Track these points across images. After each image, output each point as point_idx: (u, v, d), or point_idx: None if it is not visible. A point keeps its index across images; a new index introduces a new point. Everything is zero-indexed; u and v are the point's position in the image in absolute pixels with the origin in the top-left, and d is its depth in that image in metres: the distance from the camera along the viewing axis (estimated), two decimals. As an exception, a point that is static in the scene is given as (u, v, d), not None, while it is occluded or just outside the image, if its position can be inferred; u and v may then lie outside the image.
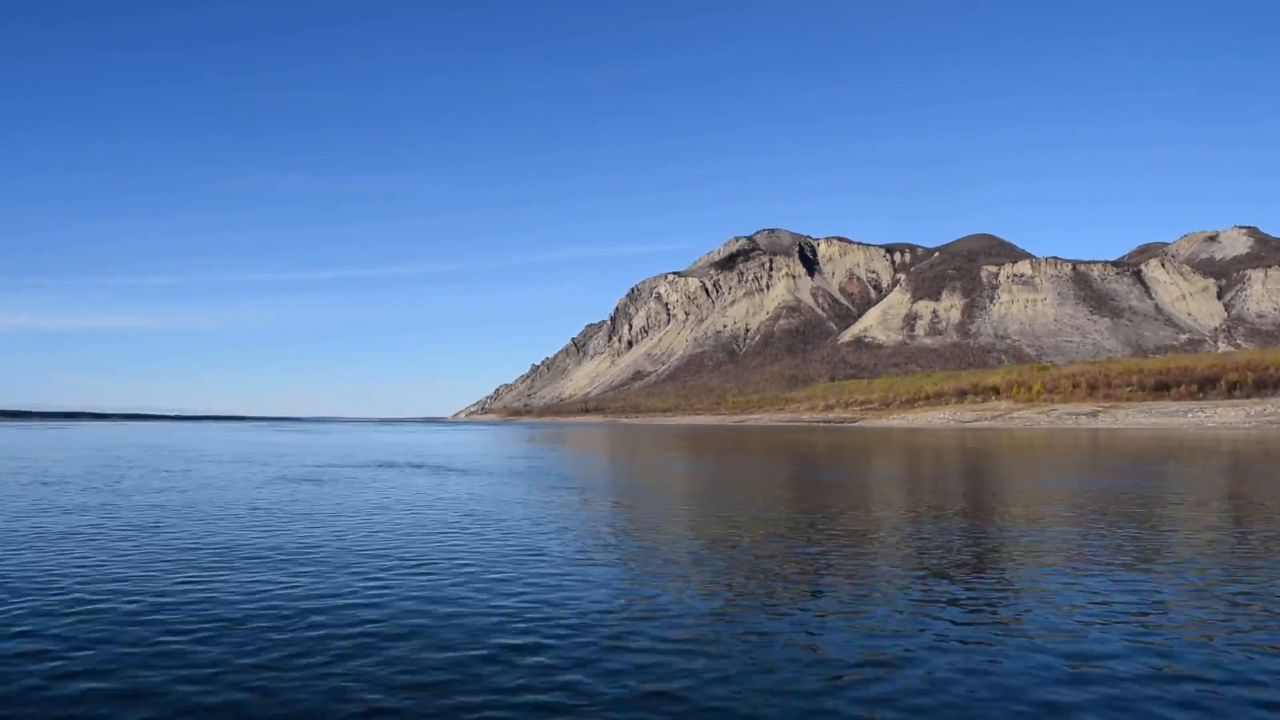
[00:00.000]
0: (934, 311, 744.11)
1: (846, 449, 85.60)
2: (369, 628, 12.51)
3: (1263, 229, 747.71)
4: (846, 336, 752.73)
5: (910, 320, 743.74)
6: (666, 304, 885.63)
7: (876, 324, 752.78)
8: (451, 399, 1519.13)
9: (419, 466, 51.34)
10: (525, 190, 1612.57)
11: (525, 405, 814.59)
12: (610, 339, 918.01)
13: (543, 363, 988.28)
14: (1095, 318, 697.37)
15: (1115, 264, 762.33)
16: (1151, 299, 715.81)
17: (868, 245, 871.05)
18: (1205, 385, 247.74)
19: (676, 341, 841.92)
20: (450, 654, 11.28)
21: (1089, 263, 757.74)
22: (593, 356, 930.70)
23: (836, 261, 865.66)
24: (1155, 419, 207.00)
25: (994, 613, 13.74)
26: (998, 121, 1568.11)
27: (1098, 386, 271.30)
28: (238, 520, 24.43)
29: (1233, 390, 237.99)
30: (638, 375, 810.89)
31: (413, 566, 17.15)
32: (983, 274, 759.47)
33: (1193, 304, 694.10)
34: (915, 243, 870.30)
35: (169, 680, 10.29)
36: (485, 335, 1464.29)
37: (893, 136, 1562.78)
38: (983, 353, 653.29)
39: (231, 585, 15.37)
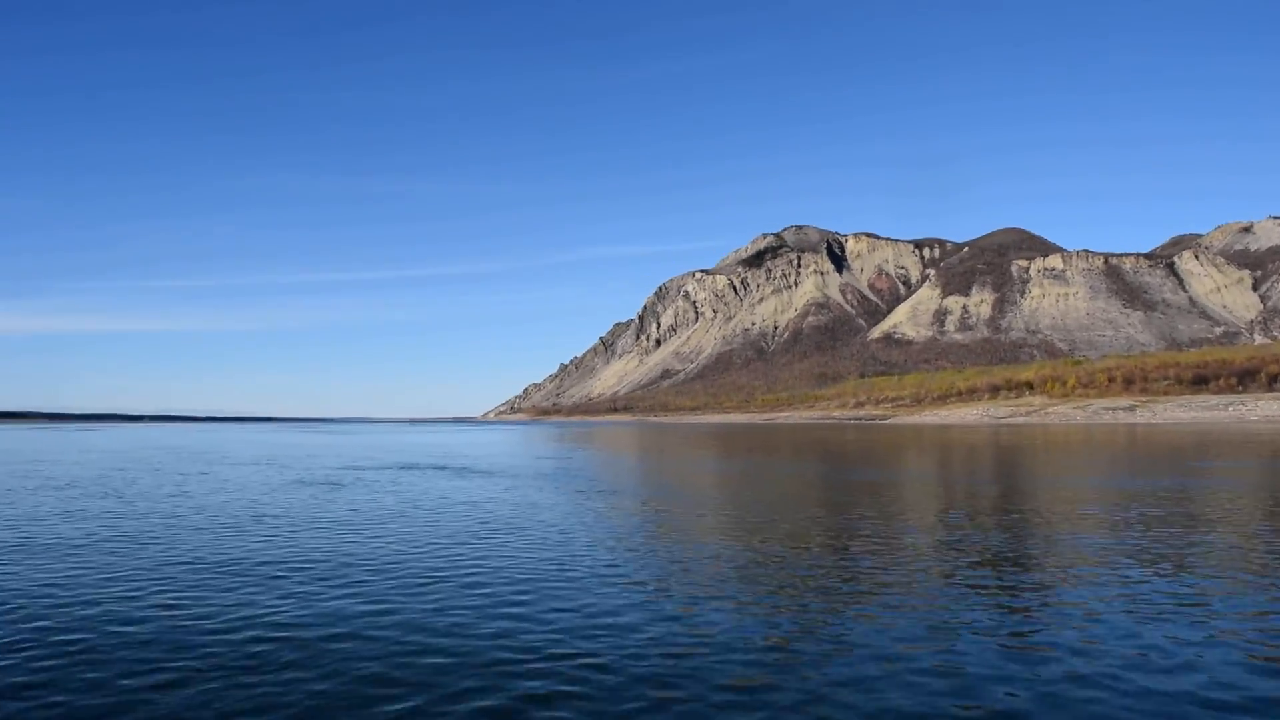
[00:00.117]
0: (964, 307, 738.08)
1: (881, 447, 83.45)
2: (353, 668, 10.65)
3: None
4: (876, 333, 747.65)
5: (940, 316, 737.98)
6: (694, 302, 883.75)
7: (906, 320, 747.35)
8: (481, 399, 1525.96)
9: (442, 468, 49.68)
10: (553, 190, 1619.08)
11: (554, 405, 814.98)
12: (638, 338, 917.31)
13: (571, 362, 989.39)
14: (1128, 311, 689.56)
15: (1148, 256, 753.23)
16: (1185, 291, 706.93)
17: (896, 241, 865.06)
18: (1245, 378, 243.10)
19: (705, 340, 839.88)
20: (454, 710, 9.45)
21: (1121, 255, 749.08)
22: (621, 355, 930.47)
23: (865, 258, 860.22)
24: (1195, 413, 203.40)
25: (1038, 626, 12.54)
26: (1028, 116, 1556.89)
27: (1134, 380, 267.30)
28: (239, 530, 22.72)
29: (1274, 383, 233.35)
30: (666, 374, 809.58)
31: (419, 585, 15.36)
32: (1013, 268, 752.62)
33: (1227, 296, 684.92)
34: (944, 237, 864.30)
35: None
36: (514, 335, 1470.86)
37: (921, 132, 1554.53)
38: (1014, 348, 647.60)
39: (206, 608, 13.63)
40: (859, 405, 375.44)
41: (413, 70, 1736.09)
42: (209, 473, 45.78)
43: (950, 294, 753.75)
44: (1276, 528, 22.72)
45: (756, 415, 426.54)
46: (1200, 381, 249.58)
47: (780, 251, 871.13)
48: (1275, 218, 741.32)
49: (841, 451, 75.25)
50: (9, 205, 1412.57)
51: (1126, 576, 15.81)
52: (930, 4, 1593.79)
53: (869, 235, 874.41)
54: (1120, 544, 19.67)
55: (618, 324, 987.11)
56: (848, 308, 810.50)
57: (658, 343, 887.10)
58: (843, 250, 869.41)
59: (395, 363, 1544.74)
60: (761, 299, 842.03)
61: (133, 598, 14.51)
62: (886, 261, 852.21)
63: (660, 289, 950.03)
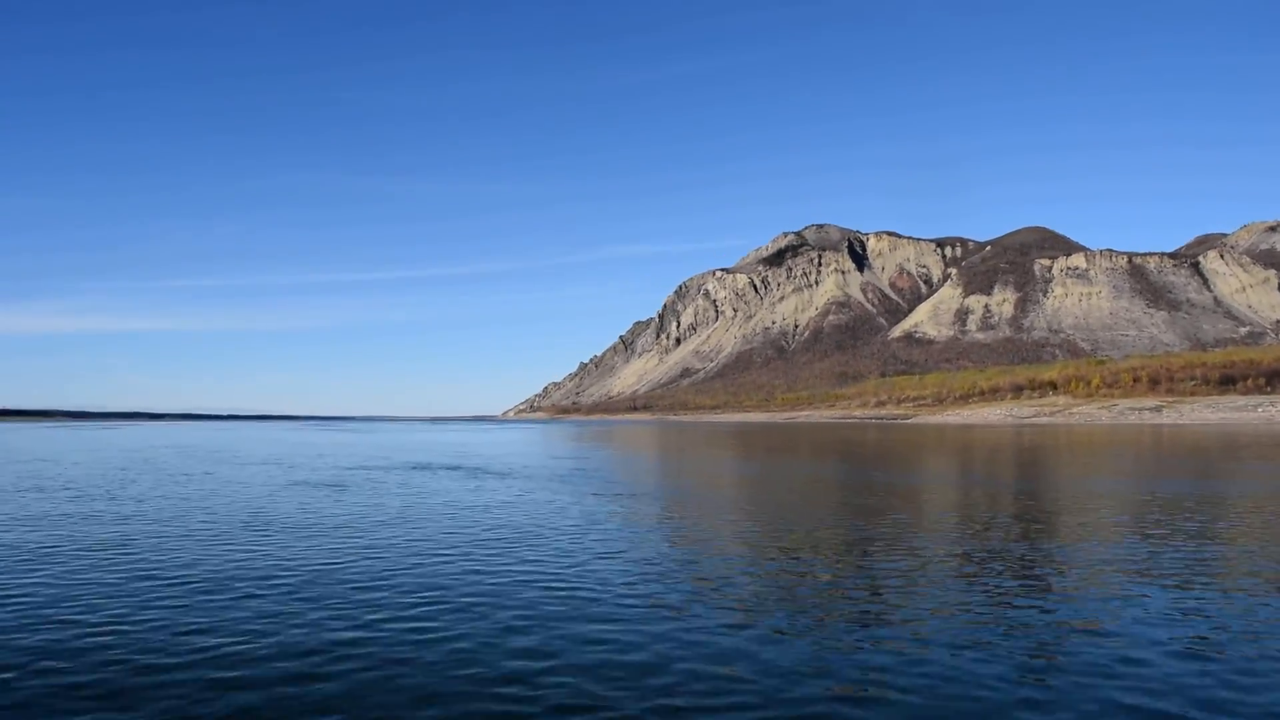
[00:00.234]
0: (986, 306, 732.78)
1: (905, 447, 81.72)
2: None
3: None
4: (897, 332, 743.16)
5: (962, 315, 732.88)
6: (715, 301, 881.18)
7: (927, 319, 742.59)
8: (501, 397, 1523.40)
9: (455, 469, 48.28)
10: (576, 190, 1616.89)
11: (573, 403, 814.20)
12: (658, 336, 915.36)
13: (591, 361, 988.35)
14: (1152, 311, 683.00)
15: (1172, 256, 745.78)
16: (1210, 291, 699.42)
17: (918, 239, 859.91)
18: (1273, 379, 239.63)
19: (725, 338, 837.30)
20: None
21: (1145, 255, 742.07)
22: (641, 354, 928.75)
23: (886, 256, 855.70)
24: (1223, 414, 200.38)
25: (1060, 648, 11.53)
26: (1051, 115, 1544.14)
27: (1159, 381, 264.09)
28: (225, 537, 21.14)
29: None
30: (686, 373, 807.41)
31: (407, 605, 13.74)
32: (1036, 267, 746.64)
33: (1253, 296, 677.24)
34: (966, 236, 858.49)
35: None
36: (535, 334, 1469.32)
37: (944, 131, 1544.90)
38: (1036, 347, 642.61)
39: (155, 634, 12.01)
40: (880, 405, 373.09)
41: (433, 72, 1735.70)
42: (213, 473, 44.48)
43: (972, 293, 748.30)
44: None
45: (777, 414, 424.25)
46: (1227, 382, 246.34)
47: (801, 250, 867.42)
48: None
49: (865, 452, 73.60)
50: (34, 206, 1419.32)
51: (1164, 595, 14.25)
52: (955, 3, 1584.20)
53: (890, 234, 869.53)
54: (1172, 564, 18.06)
55: (638, 323, 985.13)
56: (869, 307, 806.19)
57: (678, 341, 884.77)
58: (864, 249, 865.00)
59: (416, 361, 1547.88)
60: (782, 298, 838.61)
61: (71, 622, 12.89)
62: (908, 260, 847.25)
63: (680, 288, 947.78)
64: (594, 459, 62.13)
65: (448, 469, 48.02)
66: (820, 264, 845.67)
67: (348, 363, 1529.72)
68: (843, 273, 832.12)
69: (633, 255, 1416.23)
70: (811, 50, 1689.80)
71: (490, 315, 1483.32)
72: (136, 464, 51.95)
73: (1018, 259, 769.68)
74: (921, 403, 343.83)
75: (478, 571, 16.55)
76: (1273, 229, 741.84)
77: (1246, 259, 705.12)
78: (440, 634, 12.05)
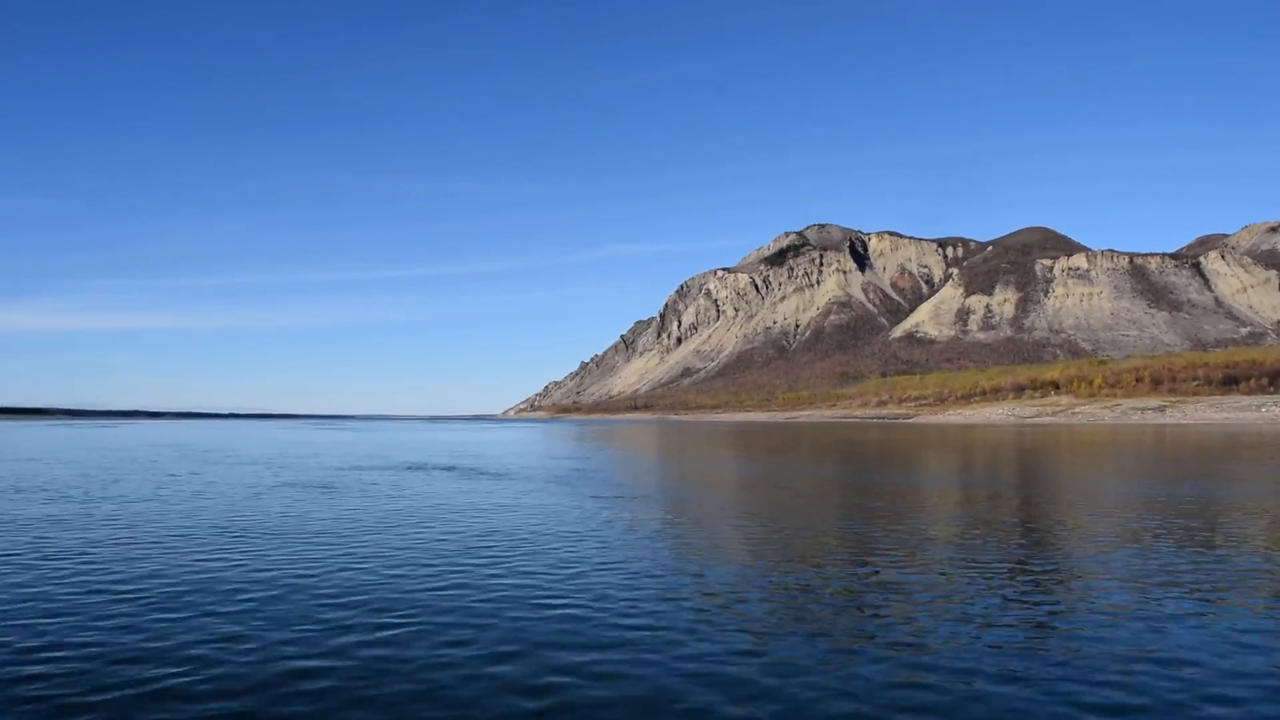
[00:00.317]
0: (987, 306, 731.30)
1: (910, 447, 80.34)
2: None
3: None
4: (898, 332, 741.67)
5: (963, 315, 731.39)
6: (716, 300, 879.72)
7: (929, 319, 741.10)
8: (502, 396, 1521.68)
9: (450, 469, 46.86)
10: (577, 189, 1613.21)
11: (574, 402, 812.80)
12: (659, 336, 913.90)
13: (592, 360, 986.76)
14: (1153, 311, 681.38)
15: (1173, 256, 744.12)
16: (1211, 292, 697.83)
17: (919, 239, 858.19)
18: (1276, 379, 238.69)
19: (726, 338, 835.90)
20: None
21: (1146, 255, 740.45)
22: (642, 353, 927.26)
23: (888, 256, 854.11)
24: (1226, 414, 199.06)
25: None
26: (1052, 116, 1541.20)
27: (1162, 381, 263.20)
28: (195, 543, 19.72)
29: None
30: (687, 372, 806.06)
31: (379, 627, 12.26)
32: (1037, 267, 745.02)
33: (1254, 296, 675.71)
34: (967, 236, 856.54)
35: None
36: (536, 333, 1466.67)
37: (945, 131, 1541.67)
38: (1037, 347, 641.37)
39: (88, 655, 10.64)
40: (881, 404, 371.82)
41: (431, 71, 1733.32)
42: (200, 473, 43.06)
43: (973, 293, 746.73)
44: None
45: (778, 414, 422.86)
46: (1230, 382, 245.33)
47: (802, 250, 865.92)
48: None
49: (868, 452, 72.27)
50: (35, 205, 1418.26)
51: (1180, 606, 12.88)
52: (957, 4, 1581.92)
53: (892, 234, 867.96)
54: (1193, 574, 16.67)
55: (639, 322, 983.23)
56: (870, 306, 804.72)
57: (679, 341, 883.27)
58: (865, 249, 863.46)
59: (417, 361, 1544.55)
60: (783, 297, 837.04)
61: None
62: (909, 260, 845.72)
63: (682, 287, 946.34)
64: (593, 459, 60.72)
65: (442, 470, 46.64)
66: (822, 264, 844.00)
67: (349, 362, 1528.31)
68: (844, 272, 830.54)
69: (634, 254, 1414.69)
70: (813, 50, 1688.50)
71: (491, 314, 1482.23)
72: (124, 464, 50.60)
73: (1019, 259, 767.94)
74: (923, 402, 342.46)
75: (463, 586, 15.12)
76: (1274, 229, 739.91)
77: (1248, 259, 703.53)
78: (412, 664, 10.61)
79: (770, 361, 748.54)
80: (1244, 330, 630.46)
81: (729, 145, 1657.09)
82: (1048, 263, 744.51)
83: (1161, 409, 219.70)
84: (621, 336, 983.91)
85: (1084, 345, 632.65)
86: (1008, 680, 10.08)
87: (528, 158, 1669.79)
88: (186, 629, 12.16)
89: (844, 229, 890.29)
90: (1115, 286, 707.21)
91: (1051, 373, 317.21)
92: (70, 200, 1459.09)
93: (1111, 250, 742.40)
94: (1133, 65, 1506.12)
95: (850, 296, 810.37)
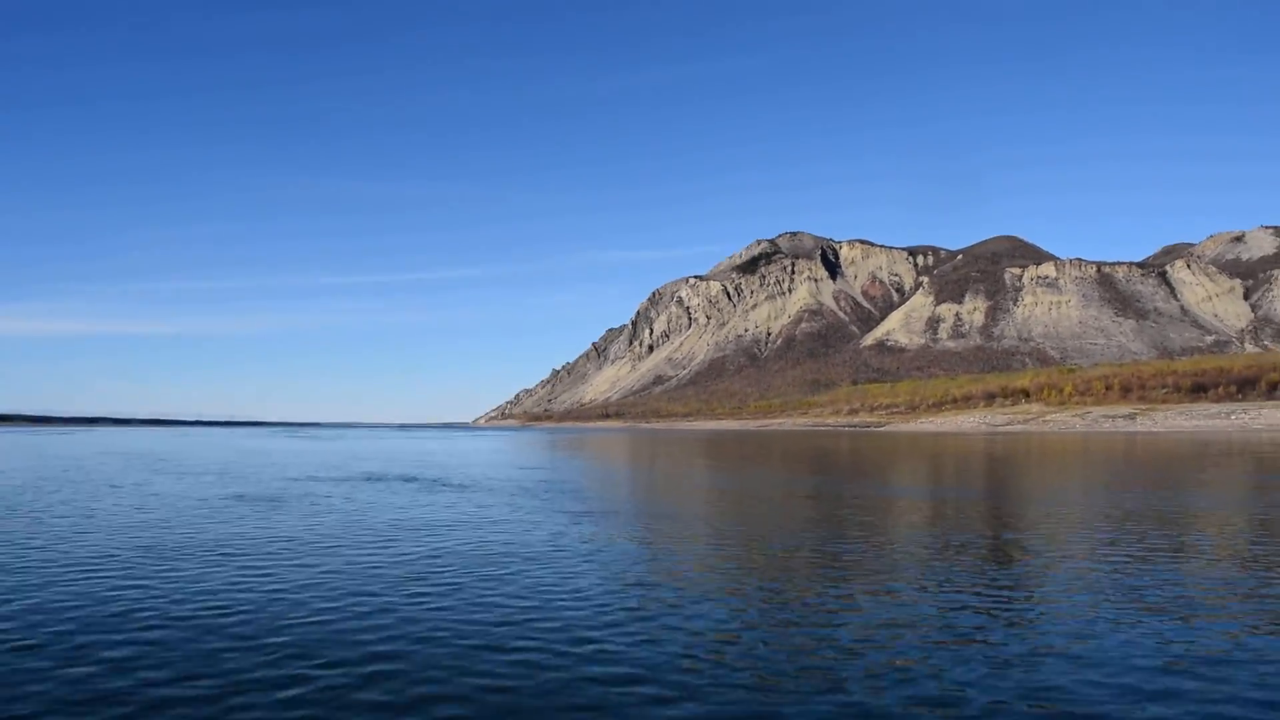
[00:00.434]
0: (957, 314, 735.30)
1: (883, 456, 78.81)
2: None
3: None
4: (869, 340, 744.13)
5: (933, 323, 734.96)
6: (688, 308, 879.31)
7: (899, 327, 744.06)
8: (473, 404, 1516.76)
9: (411, 480, 44.62)
10: (547, 196, 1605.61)
11: (546, 410, 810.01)
12: (631, 343, 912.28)
13: (563, 368, 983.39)
14: (1120, 320, 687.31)
15: (1140, 265, 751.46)
16: (1177, 300, 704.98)
17: (890, 248, 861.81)
18: (1244, 386, 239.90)
19: (697, 346, 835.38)
20: None
21: (1114, 264, 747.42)
22: (613, 361, 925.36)
23: (859, 264, 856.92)
24: (1196, 421, 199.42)
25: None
26: (1021, 125, 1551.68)
27: (1131, 389, 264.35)
28: (105, 566, 17.54)
29: (1273, 391, 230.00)
30: (658, 380, 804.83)
31: (281, 684, 10.07)
32: (1006, 276, 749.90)
33: (1219, 305, 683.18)
34: (938, 245, 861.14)
35: None
36: (507, 340, 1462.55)
37: (914, 139, 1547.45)
38: (1006, 355, 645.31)
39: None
40: (853, 412, 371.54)
41: (402, 78, 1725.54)
42: (143, 484, 40.60)
43: (943, 301, 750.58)
44: None
45: (749, 422, 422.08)
46: (1199, 390, 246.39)
47: (774, 258, 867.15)
48: (1266, 227, 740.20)
49: (843, 462, 70.66)
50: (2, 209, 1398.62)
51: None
52: (926, 14, 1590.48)
53: (863, 242, 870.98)
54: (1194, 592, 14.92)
55: (610, 330, 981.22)
56: (841, 315, 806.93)
57: (650, 349, 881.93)
58: (837, 257, 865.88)
59: (389, 367, 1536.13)
60: (755, 305, 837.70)
61: None
62: (880, 269, 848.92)
63: (653, 295, 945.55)
64: (562, 470, 58.58)
65: (403, 480, 44.41)
66: (793, 272, 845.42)
67: (319, 368, 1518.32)
68: (815, 281, 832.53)
69: (606, 262, 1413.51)
70: (786, 60, 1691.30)
71: (462, 322, 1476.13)
72: (66, 473, 48.04)
73: (989, 268, 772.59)
74: (895, 410, 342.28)
75: (406, 622, 13.03)
76: (1238, 239, 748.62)
77: (1213, 269, 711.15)
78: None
79: (742, 369, 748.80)
80: (1209, 338, 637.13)
81: (701, 153, 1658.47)
82: (1017, 271, 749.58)
83: (1132, 417, 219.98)
84: (593, 344, 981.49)
85: (1052, 353, 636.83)
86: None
87: (499, 166, 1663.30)
88: (41, 680, 10.05)
89: (816, 237, 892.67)
90: (1083, 295, 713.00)
91: (1022, 380, 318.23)
92: (39, 205, 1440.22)
93: (1079, 259, 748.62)
94: (1099, 78, 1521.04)
95: (821, 305, 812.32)
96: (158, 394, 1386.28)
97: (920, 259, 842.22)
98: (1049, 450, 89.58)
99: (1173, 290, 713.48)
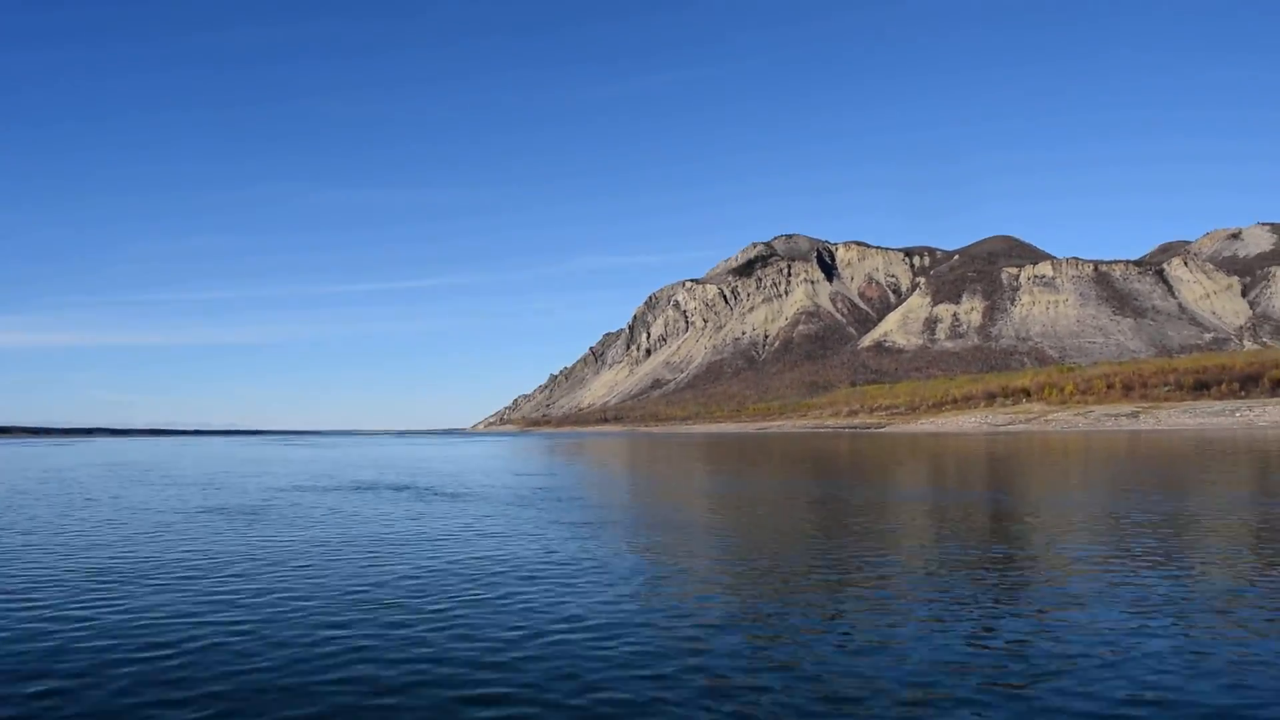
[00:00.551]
0: (954, 315, 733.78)
1: (886, 458, 77.14)
2: None
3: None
4: (866, 341, 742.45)
5: (931, 324, 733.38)
6: (685, 311, 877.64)
7: (897, 328, 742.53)
8: (471, 410, 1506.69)
9: (403, 489, 42.92)
10: (542, 201, 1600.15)
11: (544, 415, 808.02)
12: (628, 348, 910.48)
13: (561, 373, 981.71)
14: (1118, 318, 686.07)
15: (1137, 263, 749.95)
16: (1175, 298, 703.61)
17: (886, 249, 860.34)
18: (1247, 383, 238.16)
19: (695, 349, 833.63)
20: None
21: (1110, 262, 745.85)
22: (611, 365, 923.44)
23: (855, 266, 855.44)
24: (1200, 419, 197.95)
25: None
26: (1014, 125, 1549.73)
27: (1133, 387, 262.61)
28: (52, 586, 15.84)
29: (1277, 388, 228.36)
30: (656, 384, 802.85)
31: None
32: (1003, 276, 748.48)
33: (1217, 302, 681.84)
34: (934, 245, 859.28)
35: None
36: (504, 346, 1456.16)
37: (910, 140, 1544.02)
38: (1005, 355, 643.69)
39: None
40: (852, 414, 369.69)
41: (399, 88, 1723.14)
42: (121, 496, 38.89)
43: (940, 302, 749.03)
44: None
45: (748, 424, 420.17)
46: (1201, 387, 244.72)
47: (770, 260, 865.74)
48: (1263, 224, 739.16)
49: (846, 464, 68.99)
50: (8, 220, 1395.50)
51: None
52: (921, 18, 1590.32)
53: (859, 244, 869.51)
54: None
55: (607, 334, 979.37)
56: (838, 316, 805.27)
57: (648, 352, 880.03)
58: (833, 259, 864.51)
59: (388, 375, 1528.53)
60: (752, 308, 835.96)
61: None
62: (876, 270, 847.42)
63: (650, 299, 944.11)
64: (560, 476, 56.81)
65: (394, 489, 42.72)
66: (790, 274, 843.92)
67: (319, 377, 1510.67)
68: (812, 283, 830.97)
69: (602, 266, 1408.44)
70: (780, 63, 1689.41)
71: (460, 328, 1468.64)
72: (44, 486, 46.28)
73: (985, 268, 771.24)
74: (895, 411, 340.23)
75: (371, 669, 11.25)
76: (1235, 236, 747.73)
77: (1210, 266, 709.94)
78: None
79: (740, 372, 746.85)
80: (1208, 336, 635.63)
81: (696, 157, 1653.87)
82: (1014, 271, 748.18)
83: (1135, 415, 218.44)
84: (590, 349, 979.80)
85: (1051, 352, 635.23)
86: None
87: (495, 174, 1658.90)
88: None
89: (811, 239, 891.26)
90: (1080, 294, 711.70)
91: (1022, 380, 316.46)
92: (39, 218, 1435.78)
93: (1076, 258, 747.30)
94: (1092, 80, 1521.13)
95: (818, 306, 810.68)
96: (157, 405, 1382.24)
97: (916, 260, 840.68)
98: (1055, 450, 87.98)
99: (1170, 288, 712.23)
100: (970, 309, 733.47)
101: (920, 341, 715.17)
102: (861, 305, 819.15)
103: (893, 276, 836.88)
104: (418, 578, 17.47)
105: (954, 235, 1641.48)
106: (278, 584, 16.86)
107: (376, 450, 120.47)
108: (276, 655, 11.60)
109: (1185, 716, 9.20)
